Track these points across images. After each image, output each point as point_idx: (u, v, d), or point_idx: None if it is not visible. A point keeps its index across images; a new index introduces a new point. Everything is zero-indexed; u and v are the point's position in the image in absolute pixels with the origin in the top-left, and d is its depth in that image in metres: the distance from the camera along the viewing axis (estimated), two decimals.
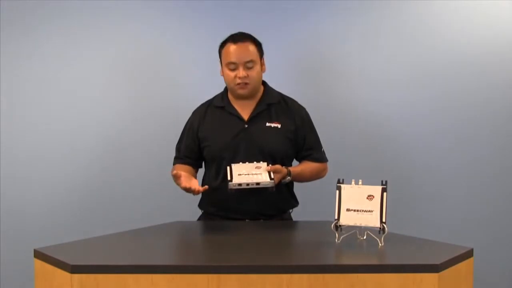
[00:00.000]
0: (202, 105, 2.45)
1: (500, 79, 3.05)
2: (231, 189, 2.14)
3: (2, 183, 3.00)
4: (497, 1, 3.04)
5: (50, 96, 3.02)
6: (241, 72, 2.27)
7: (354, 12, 3.05)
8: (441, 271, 1.55)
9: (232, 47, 2.30)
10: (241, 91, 2.31)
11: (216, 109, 2.39)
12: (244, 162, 2.23)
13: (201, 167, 2.47)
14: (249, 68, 2.29)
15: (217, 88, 2.46)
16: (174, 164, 2.45)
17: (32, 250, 1.73)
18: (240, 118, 2.34)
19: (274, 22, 3.03)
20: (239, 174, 2.17)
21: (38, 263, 1.70)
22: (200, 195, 2.43)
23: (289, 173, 2.28)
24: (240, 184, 2.14)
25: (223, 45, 2.35)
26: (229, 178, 2.16)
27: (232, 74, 2.29)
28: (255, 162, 2.21)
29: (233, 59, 2.28)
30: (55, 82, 3.02)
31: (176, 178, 2.20)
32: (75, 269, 1.54)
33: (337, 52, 3.08)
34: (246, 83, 2.29)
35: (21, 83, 3.02)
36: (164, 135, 2.93)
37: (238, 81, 2.28)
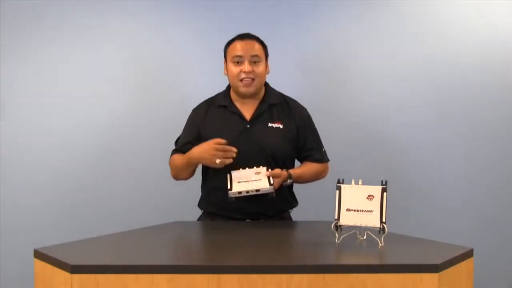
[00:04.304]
0: (203, 102, 2.43)
1: (502, 79, 3.05)
2: (231, 197, 2.15)
3: (2, 183, 3.00)
4: (498, 1, 3.04)
5: (50, 96, 3.02)
6: (247, 67, 2.27)
7: (356, 12, 3.05)
8: (441, 271, 1.54)
9: (239, 43, 2.31)
10: (245, 89, 2.30)
11: (218, 107, 2.38)
12: (245, 161, 2.22)
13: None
14: (255, 63, 2.29)
15: (218, 89, 2.46)
16: (172, 155, 2.42)
17: (32, 250, 1.73)
18: (242, 117, 2.34)
19: (276, 23, 3.04)
20: (238, 182, 2.17)
21: (38, 263, 1.70)
22: (199, 196, 2.43)
23: (290, 176, 2.28)
24: (240, 192, 2.15)
25: (229, 43, 2.36)
26: (228, 186, 2.16)
27: (237, 69, 2.29)
28: (254, 168, 2.21)
29: (239, 53, 2.29)
30: (55, 82, 3.02)
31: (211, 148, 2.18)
32: (75, 269, 1.54)
33: (338, 53, 3.08)
34: (251, 79, 2.28)
35: (20, 83, 3.02)
36: (164, 135, 2.91)
37: (243, 75, 2.28)
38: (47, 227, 2.97)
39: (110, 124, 3.04)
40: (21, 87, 3.02)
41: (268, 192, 2.15)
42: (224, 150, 2.18)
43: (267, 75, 2.39)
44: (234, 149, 2.18)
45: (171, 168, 2.41)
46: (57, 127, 3.02)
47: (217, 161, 2.18)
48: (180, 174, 2.38)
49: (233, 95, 2.38)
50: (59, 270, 1.58)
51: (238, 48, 2.30)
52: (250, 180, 2.17)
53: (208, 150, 2.19)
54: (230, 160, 2.19)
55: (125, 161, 3.04)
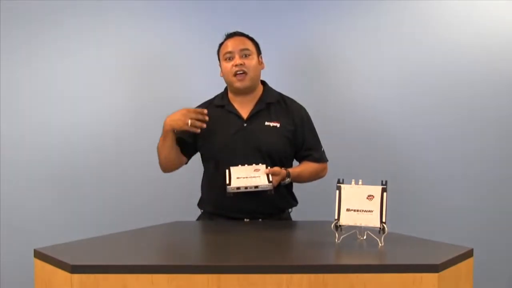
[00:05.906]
0: (203, 104, 2.45)
1: (502, 80, 3.05)
2: (229, 192, 2.15)
3: (2, 183, 3.00)
4: (496, 1, 3.04)
5: (50, 95, 3.02)
6: (237, 60, 2.31)
7: (352, 11, 3.05)
8: (441, 271, 1.54)
9: (229, 41, 2.37)
10: (239, 84, 2.31)
11: (216, 108, 2.39)
12: (242, 160, 2.22)
13: (186, 162, 2.44)
14: (246, 57, 2.32)
15: (218, 89, 2.46)
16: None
17: (32, 250, 1.73)
18: (239, 116, 2.34)
19: (272, 22, 3.04)
20: (237, 178, 2.16)
21: (38, 263, 1.70)
22: (199, 196, 2.43)
23: (288, 175, 2.28)
24: (238, 188, 2.14)
25: (220, 45, 2.40)
26: (227, 181, 2.16)
27: (229, 64, 2.32)
28: (254, 165, 2.21)
29: (229, 49, 2.34)
30: (54, 81, 3.02)
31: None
32: (75, 269, 1.54)
33: (336, 52, 3.08)
34: (244, 73, 2.30)
35: (21, 82, 3.02)
36: None
37: (235, 69, 2.30)
38: (47, 227, 2.97)
39: (110, 124, 3.04)
40: (21, 87, 3.02)
41: (266, 189, 2.15)
42: (195, 113, 2.20)
43: (263, 74, 2.41)
44: (205, 111, 2.22)
45: (158, 160, 2.37)
46: (57, 127, 3.02)
47: (188, 122, 2.19)
48: (164, 157, 2.34)
49: (230, 95, 2.40)
50: (59, 270, 1.58)
51: (228, 45, 2.35)
52: (249, 177, 2.16)
53: (180, 111, 2.22)
54: (203, 125, 2.21)
55: (125, 162, 3.04)
